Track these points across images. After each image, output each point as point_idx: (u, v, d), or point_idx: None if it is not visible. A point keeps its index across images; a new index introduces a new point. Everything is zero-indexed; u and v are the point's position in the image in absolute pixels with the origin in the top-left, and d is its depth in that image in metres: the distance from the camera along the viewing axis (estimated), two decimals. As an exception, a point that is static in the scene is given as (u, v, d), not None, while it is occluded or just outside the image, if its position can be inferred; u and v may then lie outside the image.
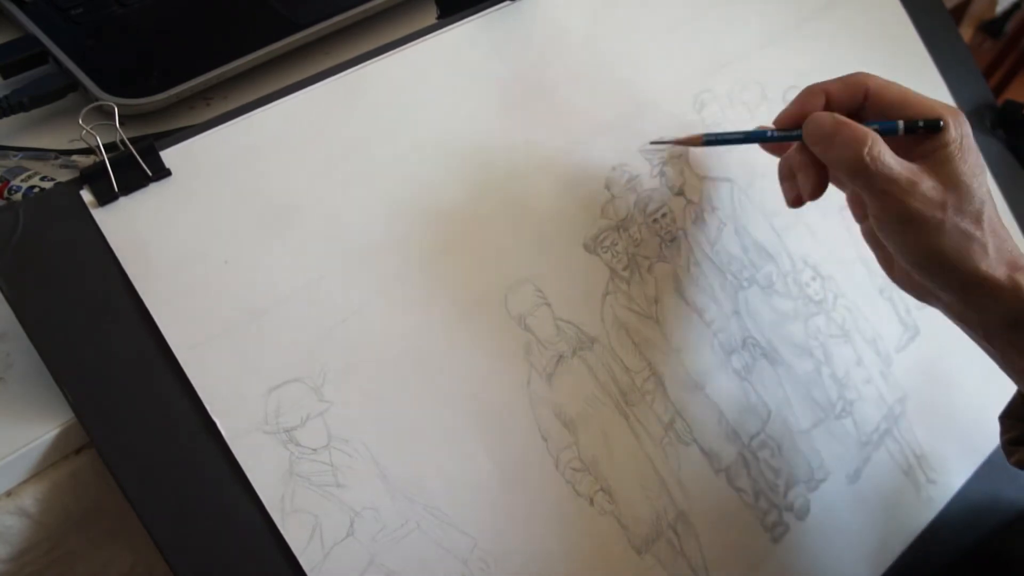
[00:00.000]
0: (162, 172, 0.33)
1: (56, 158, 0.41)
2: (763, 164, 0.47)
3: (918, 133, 0.37)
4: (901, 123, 0.37)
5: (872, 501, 0.46)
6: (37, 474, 0.33)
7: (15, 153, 0.41)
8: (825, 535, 0.45)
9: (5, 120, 0.41)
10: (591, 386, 0.40)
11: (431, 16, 0.41)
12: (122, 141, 0.33)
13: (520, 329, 0.38)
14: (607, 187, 0.42)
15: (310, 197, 0.36)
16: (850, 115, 0.38)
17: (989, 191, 0.37)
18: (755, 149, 0.47)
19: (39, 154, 0.41)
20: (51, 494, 0.33)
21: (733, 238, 0.45)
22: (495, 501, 0.36)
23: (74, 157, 0.41)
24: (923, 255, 0.36)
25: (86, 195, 0.32)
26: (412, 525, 0.35)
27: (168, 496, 0.31)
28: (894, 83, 0.39)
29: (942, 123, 0.36)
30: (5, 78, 0.43)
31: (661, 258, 0.43)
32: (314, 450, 0.34)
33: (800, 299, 0.46)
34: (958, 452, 0.50)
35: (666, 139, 0.42)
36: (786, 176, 0.41)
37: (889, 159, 0.35)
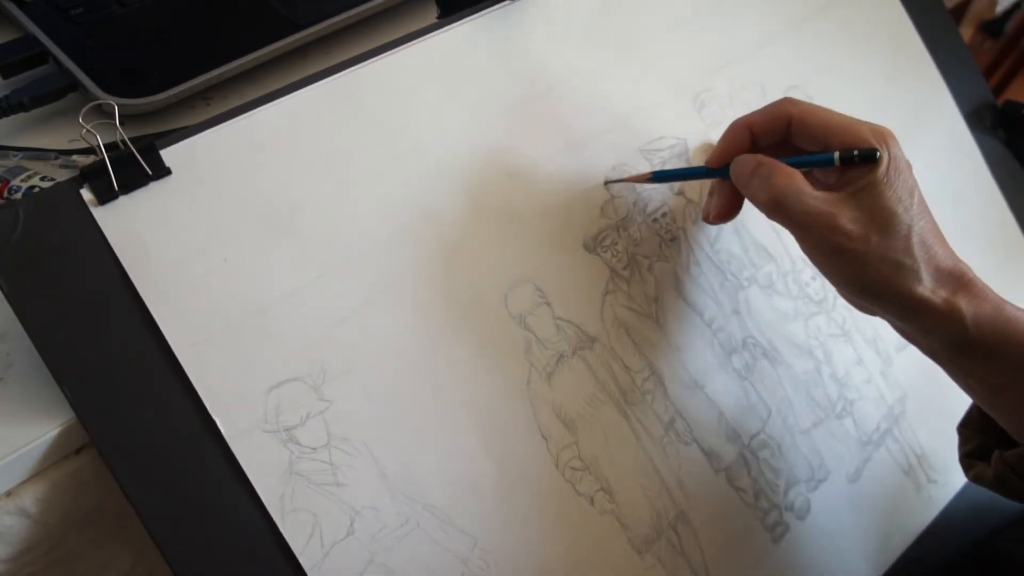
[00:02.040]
0: (162, 171, 0.33)
1: (56, 158, 0.41)
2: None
3: (855, 163, 0.36)
4: (837, 154, 0.36)
5: (873, 501, 0.46)
6: (37, 474, 0.33)
7: (15, 153, 0.41)
8: (825, 535, 0.45)
9: (5, 120, 0.41)
10: (591, 385, 0.40)
11: (431, 16, 0.41)
12: (122, 140, 0.33)
13: (520, 328, 0.38)
14: (607, 187, 0.42)
15: (310, 196, 0.36)
16: (777, 144, 0.38)
17: (923, 209, 0.36)
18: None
19: (39, 154, 0.41)
20: (51, 494, 0.33)
21: (733, 237, 0.45)
22: (495, 500, 0.36)
23: (74, 157, 0.41)
24: (854, 284, 0.36)
25: (86, 194, 0.32)
26: (412, 524, 0.35)
27: (168, 495, 0.31)
28: (819, 108, 0.38)
29: (878, 153, 0.35)
30: (5, 78, 0.43)
31: (661, 257, 0.43)
32: (314, 449, 0.34)
33: (800, 299, 0.46)
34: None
35: (622, 178, 0.42)
36: (710, 193, 0.43)
37: (805, 196, 0.35)
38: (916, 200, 0.36)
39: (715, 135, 0.46)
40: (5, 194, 0.38)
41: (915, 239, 0.35)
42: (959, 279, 0.36)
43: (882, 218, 0.35)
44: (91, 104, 0.33)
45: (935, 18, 0.56)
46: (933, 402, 0.50)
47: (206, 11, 0.46)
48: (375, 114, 0.38)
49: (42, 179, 0.39)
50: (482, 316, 0.38)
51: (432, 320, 0.37)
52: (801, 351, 0.46)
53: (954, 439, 0.51)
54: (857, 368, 0.47)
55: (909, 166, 0.37)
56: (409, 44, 0.39)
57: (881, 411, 0.48)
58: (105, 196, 0.32)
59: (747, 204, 0.46)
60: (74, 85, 0.42)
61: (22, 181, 0.39)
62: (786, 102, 0.38)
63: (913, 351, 0.50)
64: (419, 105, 0.39)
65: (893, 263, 0.35)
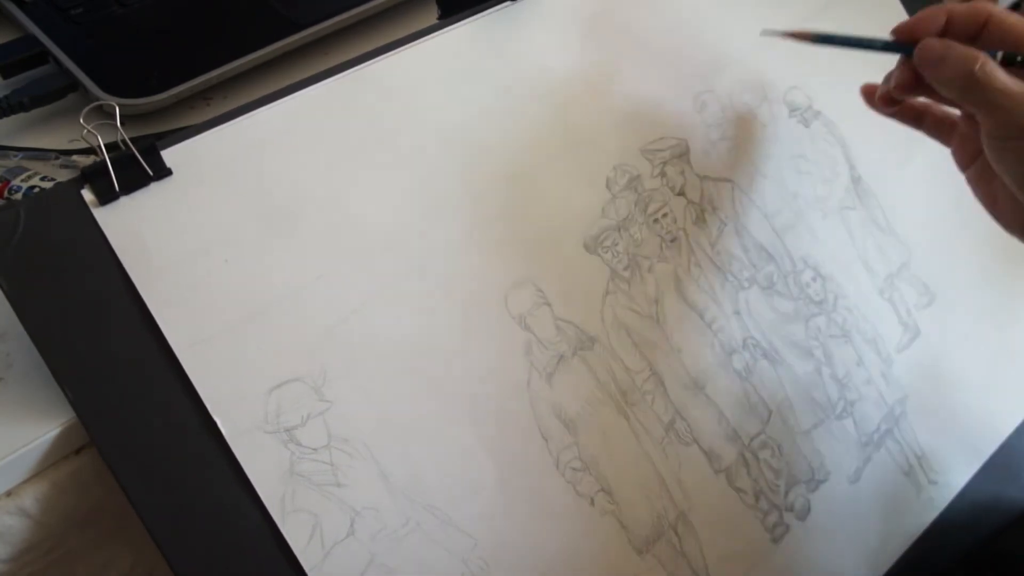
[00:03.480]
0: (163, 171, 0.33)
1: (56, 158, 0.41)
2: (762, 165, 0.47)
3: (1017, 65, 0.36)
4: (1000, 53, 0.36)
5: (873, 502, 0.46)
6: (37, 474, 0.33)
7: (15, 153, 0.41)
8: (826, 536, 0.45)
9: (5, 120, 0.42)
10: (591, 386, 0.40)
11: (431, 16, 0.41)
12: (123, 141, 0.33)
13: (520, 329, 0.38)
14: (608, 187, 0.42)
15: (311, 196, 0.36)
16: (968, 40, 0.38)
17: None
18: (756, 147, 0.47)
19: (39, 154, 0.41)
20: (51, 494, 0.33)
21: (734, 238, 0.45)
22: (495, 501, 0.36)
23: (74, 157, 0.41)
24: None
25: (87, 194, 0.32)
26: (413, 525, 0.35)
27: (168, 496, 0.31)
28: (1016, 14, 0.38)
29: None
30: (5, 78, 0.43)
31: (662, 258, 0.43)
32: (314, 449, 0.34)
33: (801, 299, 0.46)
34: (959, 452, 0.50)
35: (779, 30, 0.42)
36: (871, 100, 0.43)
37: (1001, 75, 0.35)
38: None
39: (715, 134, 0.46)
40: (5, 194, 0.38)
41: None
42: None
43: None
44: (92, 105, 0.33)
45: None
46: (933, 403, 0.50)
47: (206, 11, 0.46)
48: (375, 115, 0.38)
49: (42, 179, 0.39)
50: (482, 317, 0.38)
51: (433, 320, 0.37)
52: (801, 352, 0.46)
53: (955, 440, 0.51)
54: (857, 369, 0.47)
55: None
56: (410, 45, 0.39)
57: (881, 412, 0.48)
58: (106, 197, 0.32)
59: (748, 208, 0.46)
60: (74, 85, 0.42)
61: (22, 181, 0.39)
62: (985, 3, 0.38)
63: (914, 352, 0.50)
64: (419, 106, 0.38)
65: None
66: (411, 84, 0.39)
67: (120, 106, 0.40)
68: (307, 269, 0.35)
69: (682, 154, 0.44)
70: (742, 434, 0.43)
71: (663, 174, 0.44)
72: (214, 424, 0.32)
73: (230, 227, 0.34)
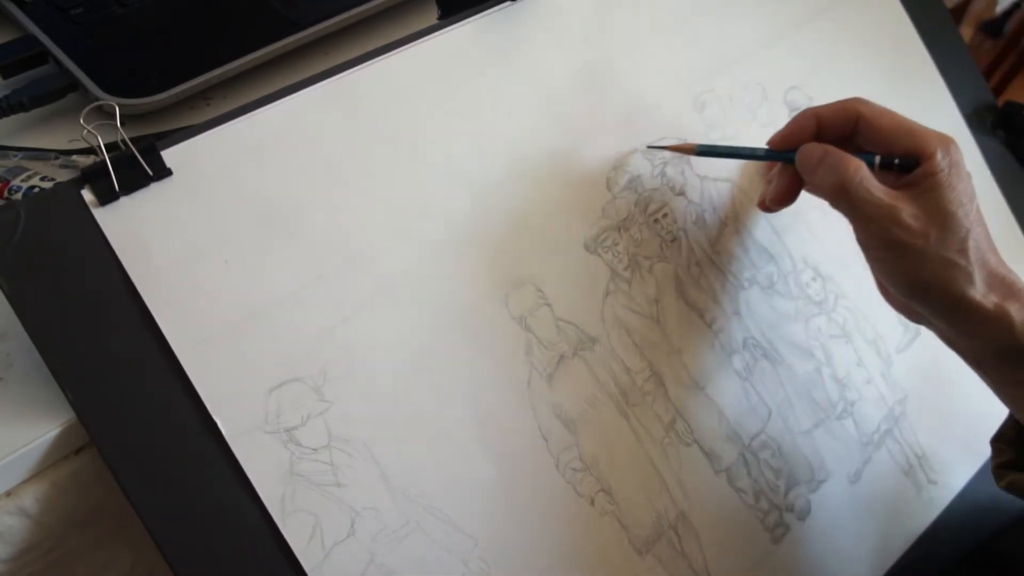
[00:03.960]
0: (163, 172, 0.33)
1: (56, 158, 0.41)
2: (763, 164, 0.47)
3: (893, 169, 0.37)
4: (877, 158, 0.38)
5: (873, 502, 0.46)
6: (37, 474, 0.33)
7: (15, 153, 0.41)
8: (826, 536, 0.45)
9: (5, 120, 0.41)
10: (592, 386, 0.40)
11: (431, 16, 0.41)
12: (123, 141, 0.33)
13: (521, 329, 0.38)
14: (608, 187, 0.42)
15: (311, 197, 0.35)
16: (841, 140, 0.39)
17: (980, 217, 0.37)
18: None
19: (39, 154, 0.41)
20: (51, 494, 0.33)
21: (734, 238, 0.45)
22: (496, 501, 0.36)
23: (74, 157, 0.41)
24: (907, 282, 0.37)
25: (87, 195, 0.32)
26: (413, 525, 0.35)
27: (168, 496, 0.31)
28: (887, 111, 0.39)
29: (918, 161, 0.37)
30: (5, 78, 0.43)
31: (662, 258, 0.43)
32: (314, 450, 0.34)
33: (801, 299, 0.46)
34: (959, 453, 0.50)
35: (663, 144, 0.43)
36: (767, 180, 0.44)
37: (871, 187, 0.36)
38: (974, 207, 0.37)
39: (716, 136, 0.46)
40: (5, 194, 0.38)
41: (971, 243, 0.36)
42: (1010, 286, 0.37)
43: (942, 218, 0.36)
44: (92, 105, 0.33)
45: (935, 19, 0.56)
46: (934, 403, 0.50)
47: (206, 11, 0.46)
48: (375, 115, 0.37)
49: (42, 179, 0.39)
50: (483, 317, 0.38)
51: (433, 321, 0.37)
52: (802, 352, 0.46)
53: (955, 440, 0.51)
54: (858, 369, 0.47)
55: (970, 176, 0.38)
56: (410, 45, 0.39)
57: (881, 412, 0.48)
58: (106, 197, 0.32)
59: (749, 208, 0.46)
60: (74, 85, 0.42)
61: (22, 181, 0.39)
62: (856, 101, 0.39)
63: (914, 352, 0.50)
64: (419, 106, 0.38)
65: (948, 263, 0.35)
66: (411, 85, 0.39)
67: (120, 106, 0.40)
68: (307, 270, 0.35)
69: (683, 154, 0.44)
70: (742, 434, 0.43)
71: (663, 174, 0.44)
72: (214, 424, 0.32)
73: (230, 228, 0.34)
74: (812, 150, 0.38)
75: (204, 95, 0.44)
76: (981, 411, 0.51)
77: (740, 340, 0.44)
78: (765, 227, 0.46)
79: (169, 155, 0.34)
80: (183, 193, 0.34)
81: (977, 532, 0.51)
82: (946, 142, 0.37)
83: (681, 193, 0.44)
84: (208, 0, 0.47)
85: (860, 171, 0.36)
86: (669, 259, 0.43)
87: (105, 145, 0.33)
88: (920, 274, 0.36)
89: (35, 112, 0.42)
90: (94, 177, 0.32)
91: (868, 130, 0.38)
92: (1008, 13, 1.62)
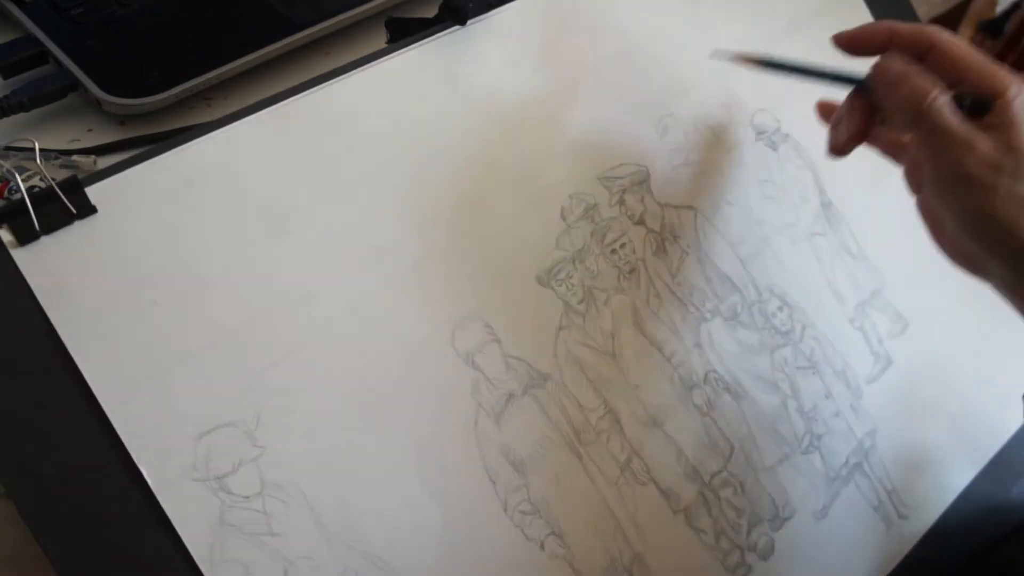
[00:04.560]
0: (87, 209, 0.32)
1: (56, 158, 0.41)
2: (727, 191, 0.45)
3: (963, 108, 0.36)
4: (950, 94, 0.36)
5: (840, 539, 0.45)
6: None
7: (15, 153, 0.40)
8: (791, 575, 0.43)
9: (5, 120, 0.41)
10: (543, 426, 0.38)
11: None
12: (42, 178, 0.32)
13: (467, 367, 0.37)
14: (562, 216, 0.41)
15: (244, 234, 0.34)
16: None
17: None
18: (721, 173, 0.45)
19: (39, 154, 0.41)
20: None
21: (696, 268, 0.44)
22: (440, 547, 0.35)
23: (74, 157, 0.41)
24: (975, 219, 0.35)
25: (5, 234, 0.31)
26: (351, 574, 0.33)
27: (89, 548, 0.30)
28: (962, 42, 0.37)
29: (991, 102, 0.35)
30: (5, 78, 0.43)
31: (619, 290, 0.41)
32: (246, 498, 0.32)
33: (766, 330, 0.45)
34: (931, 486, 0.49)
35: (730, 54, 0.41)
36: (827, 118, 0.42)
37: (949, 114, 0.35)
38: None
39: (678, 160, 0.45)
40: (5, 194, 0.38)
41: None
42: None
43: (1017, 153, 0.35)
44: (4, 144, 0.32)
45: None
46: (905, 435, 0.48)
47: (206, 11, 0.47)
48: (314, 147, 0.36)
49: (42, 179, 0.38)
50: (427, 354, 0.36)
51: (373, 359, 0.35)
52: (766, 385, 0.44)
53: (927, 473, 0.49)
54: (825, 402, 0.46)
55: None
56: (356, 71, 0.38)
57: (850, 445, 0.46)
58: (26, 237, 0.31)
59: (712, 236, 0.44)
60: (74, 85, 0.42)
61: (22, 181, 0.38)
62: (933, 28, 0.38)
63: (885, 383, 0.48)
64: (363, 135, 0.37)
65: (1019, 200, 0.34)
66: (355, 112, 0.37)
67: (120, 106, 0.40)
68: (241, 309, 0.34)
69: (642, 181, 0.43)
70: (702, 472, 0.42)
71: (622, 202, 0.42)
72: (139, 473, 0.31)
73: (159, 266, 0.33)
74: (894, 64, 0.37)
75: (204, 95, 0.44)
76: (955, 443, 0.50)
77: (701, 374, 0.43)
78: (729, 255, 0.45)
79: (95, 191, 0.32)
80: (109, 231, 0.32)
81: (949, 568, 0.49)
82: (1019, 80, 0.36)
83: (640, 222, 0.43)
84: (208, 0, 0.46)
85: (941, 97, 0.35)
86: (627, 291, 0.42)
87: (27, 186, 0.32)
88: (990, 209, 0.35)
89: (35, 112, 0.42)
90: (13, 216, 0.31)
91: (940, 59, 0.37)
92: (1008, 13, 1.61)
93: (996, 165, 0.34)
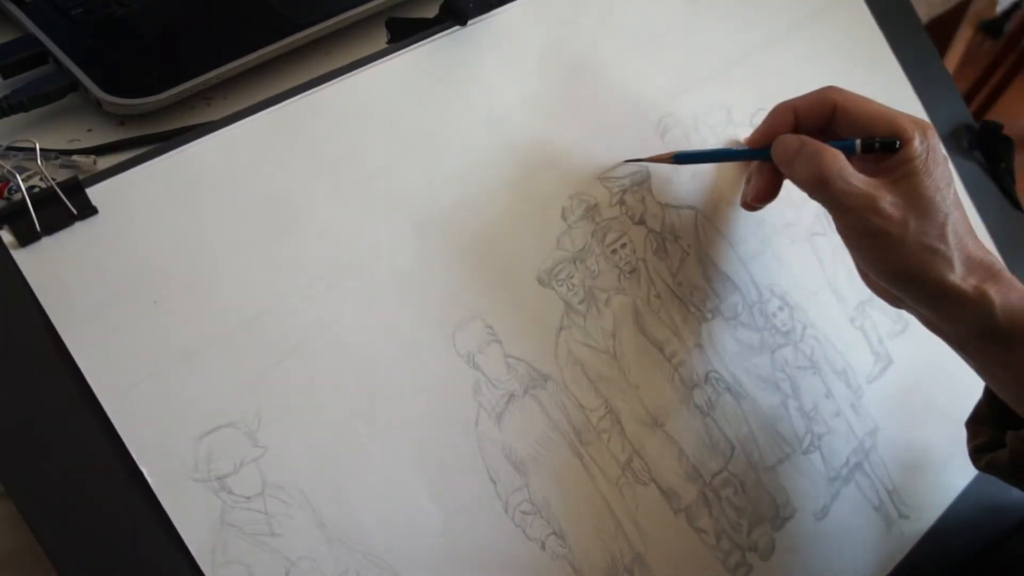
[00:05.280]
0: (88, 210, 0.32)
1: (56, 158, 0.41)
2: (728, 190, 0.45)
3: (875, 152, 0.37)
4: (858, 142, 0.38)
5: (841, 539, 0.45)
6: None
7: (15, 153, 0.40)
8: (791, 575, 0.43)
9: (5, 120, 0.41)
10: (543, 426, 0.38)
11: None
12: (43, 178, 0.32)
13: (468, 367, 0.37)
14: (563, 217, 0.41)
15: (246, 235, 0.34)
16: (819, 131, 0.39)
17: (957, 201, 0.37)
18: (722, 174, 0.45)
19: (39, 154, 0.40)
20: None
21: (696, 268, 0.44)
22: (440, 548, 0.35)
23: (74, 157, 0.41)
24: (888, 269, 0.37)
25: (6, 235, 0.31)
26: (351, 574, 0.33)
27: (90, 549, 0.30)
28: (862, 98, 0.39)
29: (899, 143, 0.37)
30: (5, 78, 0.43)
31: (620, 290, 0.41)
32: (247, 498, 0.32)
33: (766, 330, 0.45)
34: (932, 486, 0.49)
35: (640, 159, 0.42)
36: (746, 180, 0.44)
37: (849, 176, 0.36)
38: (952, 192, 0.37)
39: (679, 161, 0.45)
40: (5, 194, 0.38)
41: (950, 228, 0.36)
42: (988, 269, 0.37)
43: (920, 204, 0.36)
44: (6, 144, 0.32)
45: (910, 38, 0.54)
46: (905, 434, 0.48)
47: (206, 11, 0.46)
48: (317, 147, 0.36)
49: (42, 179, 0.38)
50: (428, 355, 0.36)
51: (375, 361, 0.35)
52: (767, 385, 0.44)
53: (928, 472, 0.49)
54: (826, 401, 0.46)
55: (947, 159, 0.38)
56: (356, 71, 0.38)
57: (851, 445, 0.46)
58: (27, 238, 0.31)
59: (712, 236, 0.44)
60: (74, 85, 0.42)
61: (22, 181, 0.38)
62: (831, 90, 0.39)
63: (886, 382, 0.48)
64: (364, 136, 0.37)
65: (928, 249, 0.36)
66: (356, 113, 0.37)
67: (120, 106, 0.40)
68: (242, 309, 0.34)
69: (642, 181, 0.43)
70: (703, 472, 0.42)
71: (622, 202, 0.42)
72: (140, 473, 0.31)
73: (160, 267, 0.33)
74: (788, 142, 0.38)
75: (204, 95, 0.44)
76: (957, 442, 0.50)
77: (702, 374, 0.43)
78: (730, 255, 0.45)
79: (95, 191, 0.32)
80: (110, 232, 0.32)
81: (949, 568, 0.49)
82: (923, 127, 0.37)
83: (641, 222, 0.43)
84: (208, 0, 0.46)
85: (838, 160, 0.36)
86: (627, 291, 0.42)
87: (27, 186, 0.32)
88: (901, 261, 0.36)
89: (35, 112, 0.42)
90: (13, 216, 0.31)
91: (845, 118, 0.39)
92: (1008, 13, 1.61)
93: (900, 219, 0.36)
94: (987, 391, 0.42)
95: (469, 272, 0.38)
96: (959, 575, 0.50)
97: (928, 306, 0.38)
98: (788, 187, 0.48)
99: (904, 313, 0.50)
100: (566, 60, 0.42)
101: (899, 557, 0.47)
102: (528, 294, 0.39)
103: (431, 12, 0.41)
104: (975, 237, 0.38)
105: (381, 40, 0.42)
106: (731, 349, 0.44)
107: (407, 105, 0.38)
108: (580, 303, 0.40)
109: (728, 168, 0.45)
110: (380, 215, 0.37)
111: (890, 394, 0.48)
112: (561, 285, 0.40)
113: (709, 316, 0.43)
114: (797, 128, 0.40)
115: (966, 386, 0.51)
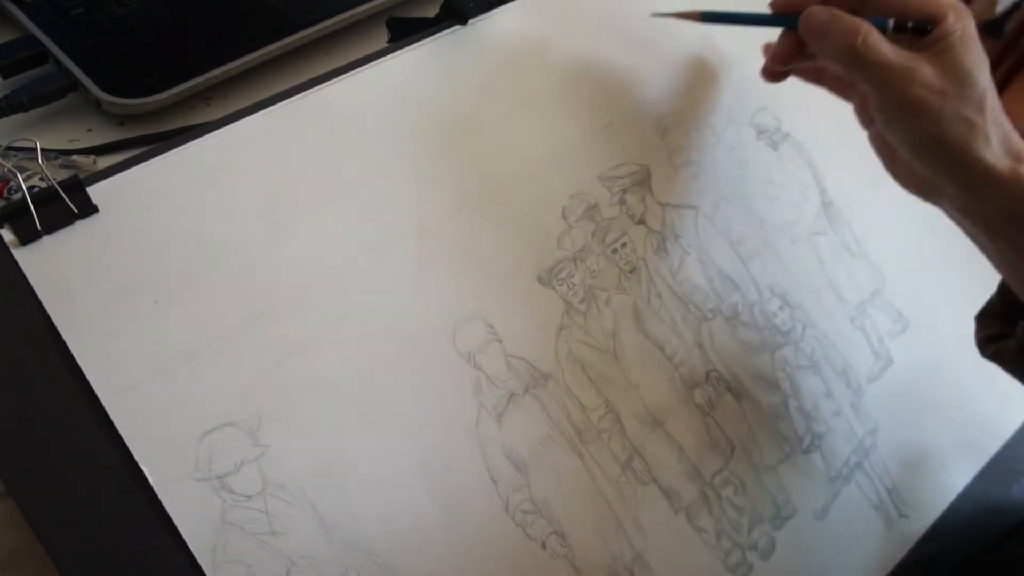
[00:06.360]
0: (89, 209, 0.32)
1: (56, 158, 0.41)
2: (728, 190, 0.45)
3: (907, 32, 0.36)
4: (891, 21, 0.37)
5: (841, 538, 0.45)
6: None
7: (15, 153, 0.40)
8: (791, 575, 0.43)
9: (5, 120, 0.41)
10: (544, 425, 0.38)
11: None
12: (42, 178, 0.32)
13: (469, 367, 0.37)
14: (563, 216, 0.41)
15: (247, 232, 0.34)
16: (851, 8, 0.38)
17: (992, 83, 0.37)
18: (722, 173, 0.45)
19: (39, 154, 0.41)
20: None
21: (697, 267, 0.44)
22: (441, 547, 0.35)
23: (74, 157, 0.41)
24: (924, 143, 0.36)
25: (7, 234, 0.31)
26: (352, 574, 0.33)
27: (91, 548, 0.30)
28: None
29: (931, 25, 0.36)
30: (5, 78, 0.43)
31: (620, 290, 0.41)
32: (248, 497, 0.32)
33: (767, 330, 0.45)
34: (932, 485, 0.49)
35: (668, 12, 0.42)
36: (764, 48, 0.43)
37: (884, 48, 0.36)
38: (988, 71, 0.36)
39: (679, 159, 0.45)
40: (5, 194, 0.38)
41: (988, 104, 0.36)
42: (1021, 153, 0.36)
43: (958, 76, 0.35)
44: (5, 144, 0.32)
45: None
46: (905, 434, 0.48)
47: (206, 11, 0.47)
48: (318, 145, 0.36)
49: (42, 179, 0.38)
50: (429, 354, 0.36)
51: (376, 360, 0.35)
52: (767, 384, 0.44)
53: (928, 472, 0.49)
54: (826, 401, 0.46)
55: (980, 44, 0.37)
56: (356, 71, 0.38)
57: (851, 444, 0.46)
58: (27, 236, 0.31)
59: (712, 236, 0.44)
60: (74, 85, 0.42)
61: (22, 181, 0.38)
62: None
63: (886, 381, 0.48)
64: (364, 134, 0.37)
65: (966, 121, 0.35)
66: (357, 112, 0.37)
67: (120, 106, 0.40)
68: (243, 308, 0.34)
69: (643, 180, 0.43)
70: (703, 471, 0.42)
71: (622, 202, 0.42)
72: (141, 472, 0.31)
73: (160, 266, 0.33)
74: (818, 14, 0.37)
75: (204, 95, 0.44)
76: (957, 441, 0.50)
77: (702, 373, 0.43)
78: (730, 255, 0.45)
79: (96, 191, 0.32)
80: (111, 231, 0.32)
81: (948, 567, 0.49)
82: (957, 7, 0.37)
83: (641, 221, 0.43)
84: (208, 0, 0.46)
85: (872, 33, 0.36)
86: (628, 291, 0.42)
87: (27, 185, 0.32)
88: (938, 133, 0.35)
89: (35, 112, 0.42)
90: (14, 216, 0.31)
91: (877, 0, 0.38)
92: (1008, 13, 1.61)
93: (939, 89, 0.35)
94: (1002, 286, 0.42)
95: (469, 272, 0.38)
96: (959, 575, 0.50)
97: (960, 183, 0.36)
98: (788, 186, 0.48)
99: (904, 313, 0.50)
100: (566, 59, 0.42)
101: (899, 557, 0.47)
102: (529, 293, 0.39)
103: (431, 12, 0.41)
104: (1009, 122, 0.37)
105: (381, 40, 0.42)
106: (731, 348, 0.44)
107: (407, 105, 0.38)
108: (580, 302, 0.40)
109: (728, 167, 0.45)
110: (380, 215, 0.37)
111: (890, 394, 0.48)
112: (561, 284, 0.40)
113: (709, 315, 0.43)
114: (827, 2, 0.38)
115: (965, 387, 0.51)
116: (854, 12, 0.38)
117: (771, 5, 0.40)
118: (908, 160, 0.38)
